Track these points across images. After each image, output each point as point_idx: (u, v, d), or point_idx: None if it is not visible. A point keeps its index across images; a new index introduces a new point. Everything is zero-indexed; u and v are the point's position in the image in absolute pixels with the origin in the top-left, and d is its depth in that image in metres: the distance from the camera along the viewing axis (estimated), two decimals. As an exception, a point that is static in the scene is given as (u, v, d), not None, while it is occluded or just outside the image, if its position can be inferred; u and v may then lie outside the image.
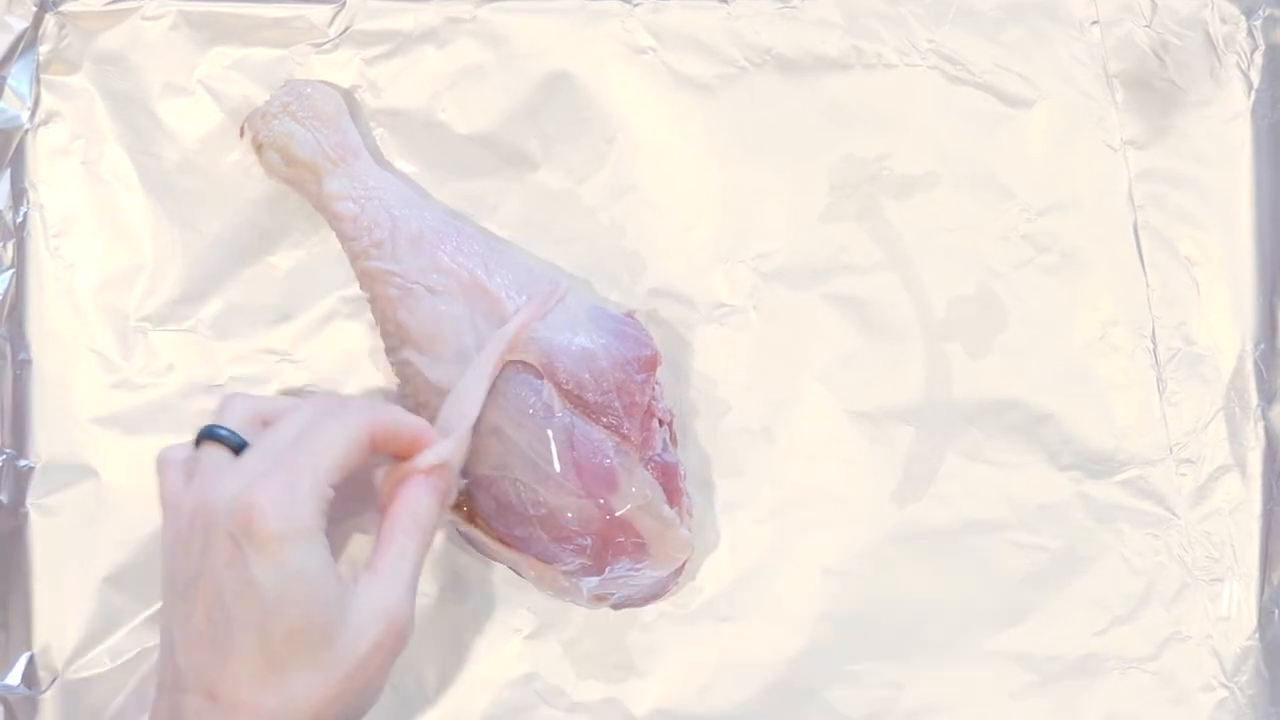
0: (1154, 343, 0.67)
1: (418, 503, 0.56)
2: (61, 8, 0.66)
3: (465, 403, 0.59)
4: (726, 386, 0.66)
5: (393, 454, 0.57)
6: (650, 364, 0.61)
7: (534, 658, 0.65)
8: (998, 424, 0.66)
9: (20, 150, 0.66)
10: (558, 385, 0.59)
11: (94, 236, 0.66)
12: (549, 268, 0.64)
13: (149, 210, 0.66)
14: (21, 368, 0.65)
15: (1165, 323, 0.67)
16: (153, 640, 0.64)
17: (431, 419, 0.60)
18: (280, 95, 0.64)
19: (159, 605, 0.63)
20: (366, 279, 0.62)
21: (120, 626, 0.64)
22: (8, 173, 0.65)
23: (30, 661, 0.64)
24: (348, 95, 0.65)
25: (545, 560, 0.60)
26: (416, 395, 0.61)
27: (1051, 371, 0.66)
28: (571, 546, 0.60)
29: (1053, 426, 0.66)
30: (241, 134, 0.64)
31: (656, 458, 0.60)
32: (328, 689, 0.52)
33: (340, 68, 0.66)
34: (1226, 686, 0.66)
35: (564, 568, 0.60)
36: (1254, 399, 0.67)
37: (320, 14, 0.66)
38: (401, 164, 0.66)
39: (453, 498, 0.58)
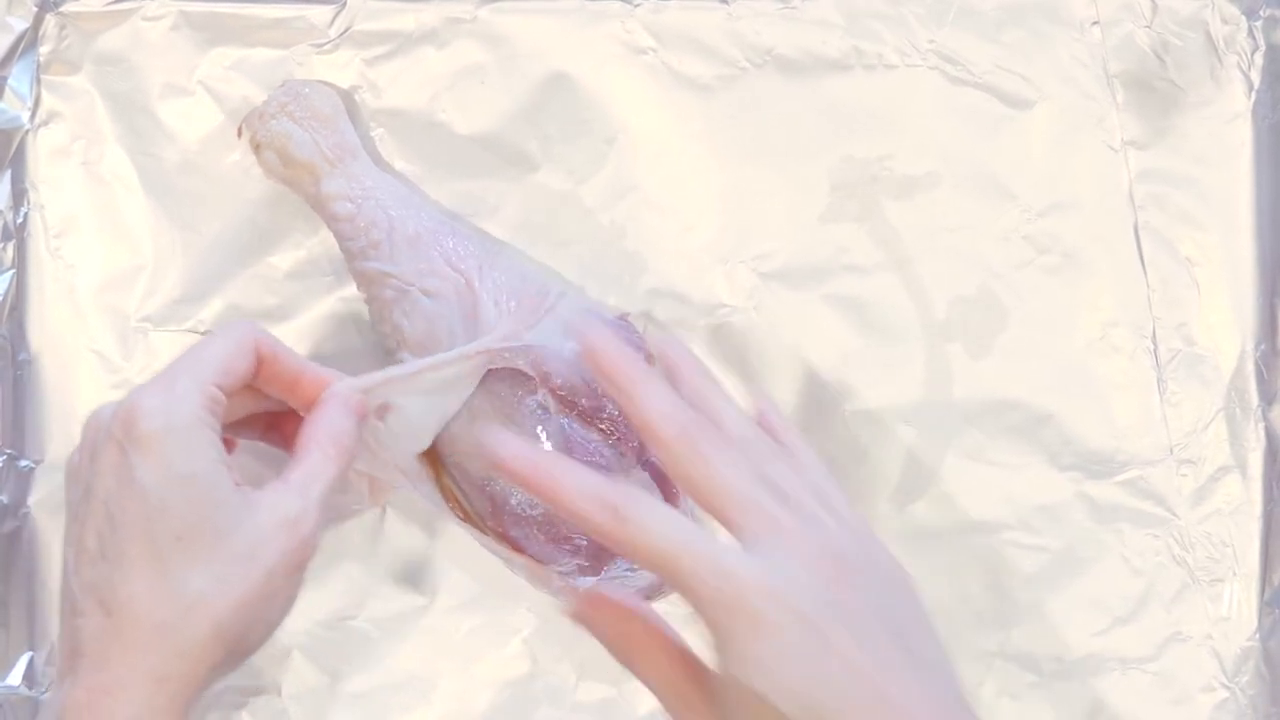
0: (1154, 343, 0.67)
1: (333, 421, 0.55)
2: (62, 8, 0.66)
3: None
4: (726, 386, 0.65)
5: (282, 388, 0.56)
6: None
7: (534, 658, 0.65)
8: (998, 424, 0.66)
9: (20, 151, 0.66)
10: (552, 390, 0.59)
11: (94, 237, 0.66)
12: (544, 271, 0.64)
13: (149, 210, 0.66)
14: (21, 368, 0.65)
15: (1165, 323, 0.67)
16: (153, 640, 0.64)
17: None
18: (278, 95, 0.64)
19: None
20: (363, 280, 0.62)
21: (120, 626, 0.64)
22: (8, 173, 0.66)
23: (30, 661, 0.64)
24: (346, 95, 0.65)
25: (541, 561, 0.60)
26: None
27: (1052, 372, 0.66)
28: (568, 547, 0.60)
29: (1053, 427, 0.66)
30: (239, 134, 0.64)
31: (653, 459, 0.60)
32: (226, 597, 0.50)
33: (340, 68, 0.66)
34: (1227, 687, 0.66)
35: (560, 569, 0.60)
36: (1254, 400, 0.67)
37: (320, 14, 0.66)
38: (402, 164, 0.66)
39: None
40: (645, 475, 0.60)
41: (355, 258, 0.62)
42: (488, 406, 0.59)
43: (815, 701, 0.46)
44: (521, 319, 0.60)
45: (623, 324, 0.62)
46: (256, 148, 0.63)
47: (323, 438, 0.54)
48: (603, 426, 0.59)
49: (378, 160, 0.65)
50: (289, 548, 0.52)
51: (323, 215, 0.63)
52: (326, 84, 0.65)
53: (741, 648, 0.47)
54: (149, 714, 0.50)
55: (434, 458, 0.61)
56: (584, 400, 0.59)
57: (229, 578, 0.50)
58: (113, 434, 0.50)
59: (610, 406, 0.59)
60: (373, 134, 0.66)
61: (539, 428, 0.59)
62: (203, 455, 0.51)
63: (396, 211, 0.62)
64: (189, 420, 0.51)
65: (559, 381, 0.59)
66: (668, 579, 0.48)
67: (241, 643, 0.52)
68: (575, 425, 0.59)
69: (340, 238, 0.62)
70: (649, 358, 0.61)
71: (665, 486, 0.60)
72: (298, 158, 0.63)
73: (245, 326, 0.54)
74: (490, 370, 0.59)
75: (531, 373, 0.59)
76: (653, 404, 0.50)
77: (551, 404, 0.59)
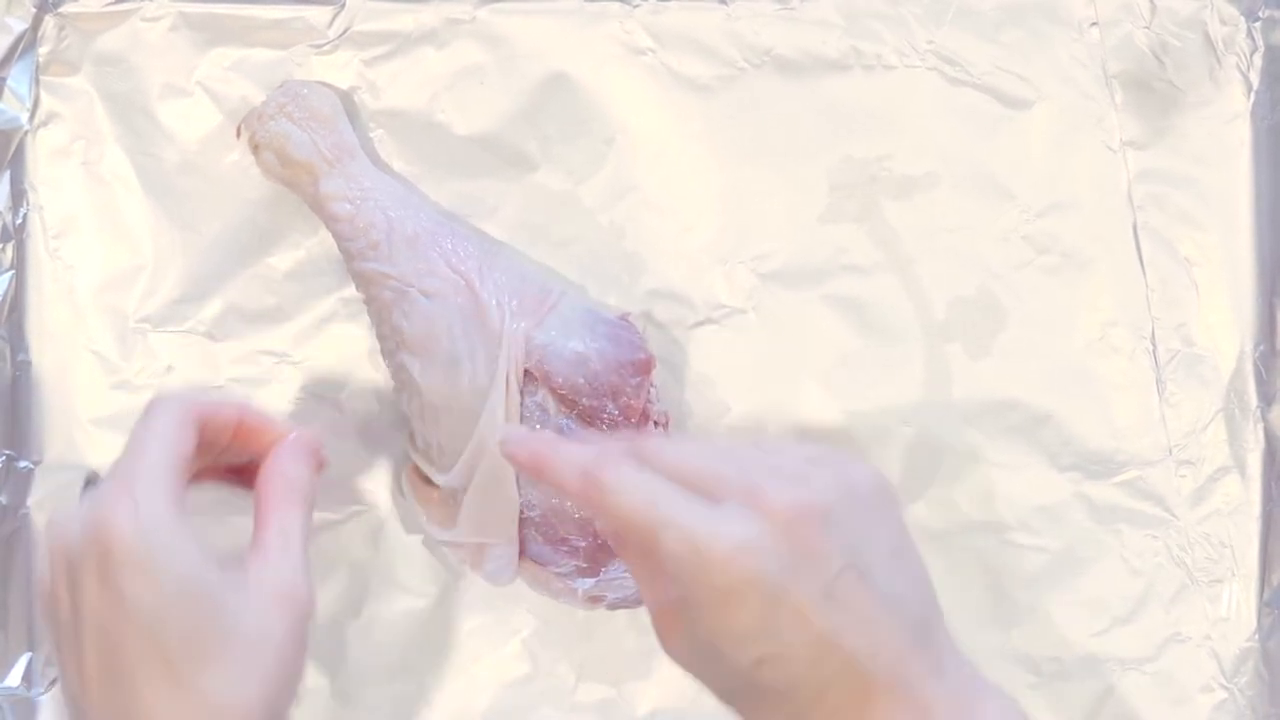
0: (1154, 344, 0.67)
1: (287, 471, 0.54)
2: (61, 9, 0.66)
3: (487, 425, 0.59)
4: (726, 387, 0.66)
5: (230, 444, 0.55)
6: (644, 367, 0.61)
7: (534, 658, 0.65)
8: (998, 424, 0.66)
9: (20, 151, 0.66)
10: (552, 390, 0.59)
11: (94, 237, 0.66)
12: (544, 271, 0.64)
13: (149, 211, 0.66)
14: (21, 368, 0.65)
15: (1165, 324, 0.67)
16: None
17: (426, 421, 0.60)
18: (276, 96, 0.64)
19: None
20: (362, 280, 0.62)
21: (120, 627, 0.64)
22: (7, 174, 0.65)
23: (30, 662, 0.64)
24: (344, 96, 0.65)
25: (540, 563, 0.60)
26: (411, 399, 0.61)
27: (1051, 372, 0.66)
28: (565, 549, 0.60)
29: (1052, 427, 0.66)
30: (238, 135, 0.64)
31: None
32: (246, 684, 0.50)
33: (340, 69, 0.66)
34: (1226, 687, 0.66)
35: (558, 570, 0.60)
36: (1253, 400, 0.67)
37: (320, 15, 0.66)
38: (401, 165, 0.66)
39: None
40: None
41: (354, 258, 0.62)
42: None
43: (771, 659, 0.47)
44: (529, 320, 0.60)
45: (623, 324, 0.62)
46: (255, 148, 0.63)
47: (283, 493, 0.54)
48: (603, 427, 0.59)
49: (376, 161, 0.65)
50: (293, 617, 0.51)
51: (321, 216, 0.63)
52: (325, 85, 0.65)
53: (709, 620, 0.47)
54: None
55: None
56: (584, 400, 0.59)
57: (244, 670, 0.50)
58: (88, 558, 0.49)
59: (611, 406, 0.59)
60: (372, 135, 0.66)
61: (538, 427, 0.59)
62: (186, 558, 0.49)
63: (395, 212, 0.62)
64: (162, 525, 0.49)
65: (560, 381, 0.59)
66: (643, 546, 0.48)
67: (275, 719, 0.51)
68: (575, 425, 0.59)
69: (339, 238, 0.62)
70: (650, 358, 0.61)
71: None
72: (296, 158, 0.63)
73: (177, 402, 0.53)
74: None
75: (533, 370, 0.59)
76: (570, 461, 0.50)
77: (551, 404, 0.59)
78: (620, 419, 0.59)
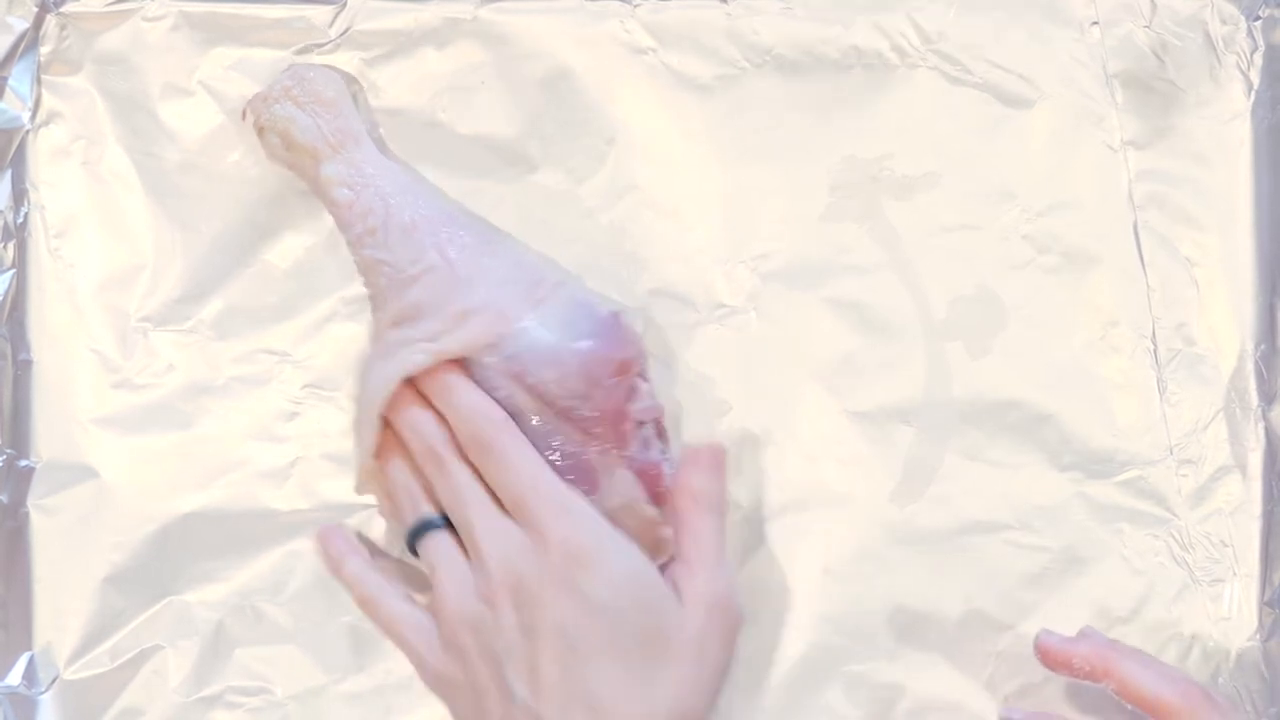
0: (1154, 343, 0.67)
1: (698, 484, 0.58)
2: (63, 9, 0.66)
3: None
4: (726, 387, 0.66)
5: None
6: (624, 367, 0.59)
7: (534, 658, 0.65)
8: (998, 424, 0.66)
9: (21, 151, 0.66)
10: (527, 390, 0.59)
11: (94, 237, 0.66)
12: (543, 261, 0.64)
13: (149, 210, 0.66)
14: (21, 368, 0.65)
15: (1165, 323, 0.67)
16: (152, 640, 0.64)
17: None
18: (282, 79, 0.64)
19: (159, 605, 0.64)
20: (362, 267, 0.62)
21: (120, 626, 0.64)
22: (8, 173, 0.66)
23: (30, 661, 0.64)
24: (351, 81, 0.65)
25: None
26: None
27: (1051, 372, 0.66)
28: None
29: (1053, 427, 0.66)
30: (244, 117, 0.64)
31: (637, 457, 0.60)
32: (683, 685, 0.54)
33: (340, 68, 0.66)
34: (1226, 687, 0.66)
35: None
36: (1254, 400, 0.67)
37: (320, 15, 0.66)
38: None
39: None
40: (627, 474, 0.59)
41: (353, 245, 0.62)
42: None
43: None
44: (505, 312, 0.59)
45: (610, 321, 0.61)
46: (260, 131, 0.63)
47: (699, 504, 0.58)
48: (582, 426, 0.59)
49: (382, 148, 0.65)
50: (728, 628, 0.57)
51: (323, 201, 0.63)
52: (332, 69, 0.65)
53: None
54: None
55: None
56: (560, 400, 0.59)
57: (688, 673, 0.55)
58: (555, 574, 0.54)
59: (589, 406, 0.59)
60: (375, 121, 0.66)
61: (521, 424, 0.59)
62: (635, 556, 0.56)
63: (395, 200, 0.62)
64: (614, 534, 0.56)
65: (531, 381, 0.59)
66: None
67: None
68: (551, 421, 0.59)
69: (340, 224, 0.62)
70: (629, 359, 0.60)
71: (652, 484, 0.60)
72: (299, 142, 0.63)
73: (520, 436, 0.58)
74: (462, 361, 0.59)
75: (505, 369, 0.59)
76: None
77: (523, 400, 0.59)
78: (595, 418, 0.59)
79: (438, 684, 0.58)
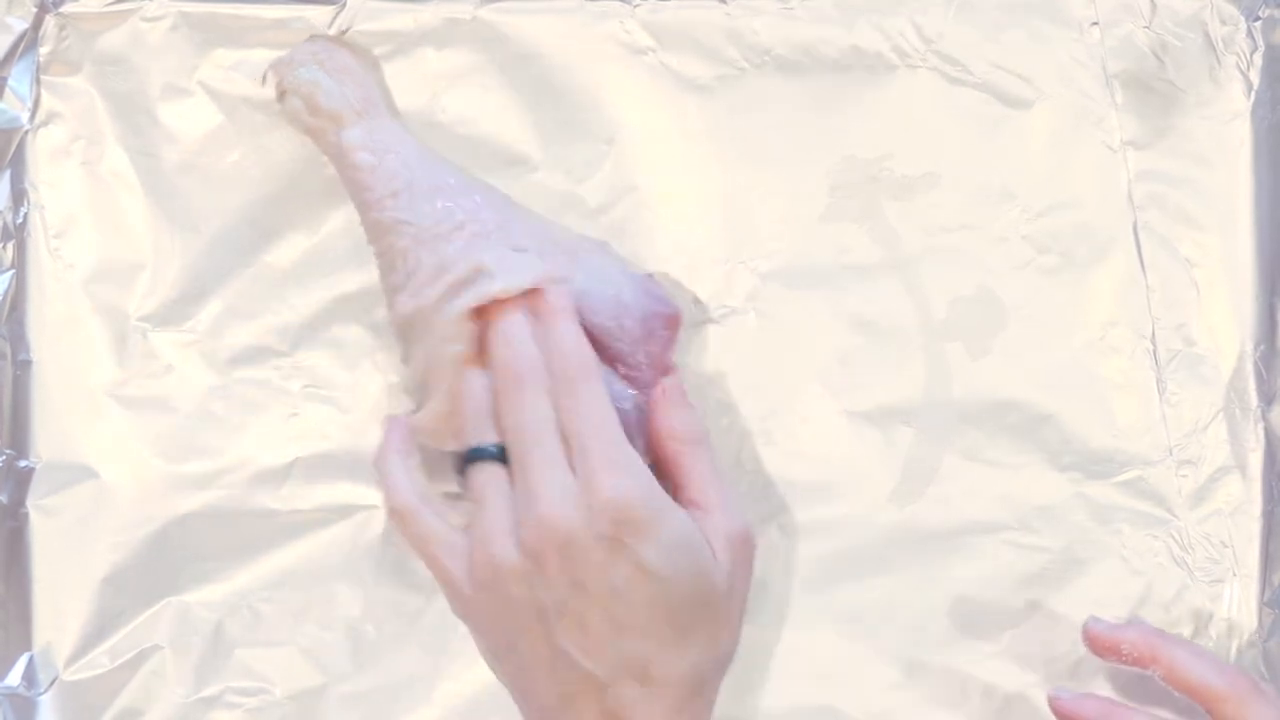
0: (1154, 343, 0.67)
1: (675, 421, 0.58)
2: (62, 9, 0.66)
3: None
4: (726, 386, 0.66)
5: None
6: (674, 323, 0.60)
7: (534, 658, 0.65)
8: (997, 424, 0.66)
9: (20, 151, 0.66)
10: (588, 329, 0.59)
11: (94, 237, 0.66)
12: (567, 230, 0.63)
13: (149, 210, 0.66)
14: (21, 368, 0.65)
15: (1165, 323, 0.67)
16: (152, 640, 0.64)
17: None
18: (308, 45, 0.64)
19: (159, 605, 0.64)
20: (378, 230, 0.61)
21: (120, 626, 0.64)
22: (8, 173, 0.66)
23: (30, 661, 0.64)
24: (373, 57, 0.65)
25: None
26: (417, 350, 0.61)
27: (1051, 372, 0.66)
28: None
29: (1053, 427, 0.66)
30: (264, 81, 0.64)
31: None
32: (722, 631, 0.56)
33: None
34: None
35: None
36: (1254, 400, 0.67)
37: (320, 15, 0.66)
38: (401, 164, 0.66)
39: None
40: None
41: (371, 208, 0.61)
42: None
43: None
44: (565, 256, 0.59)
45: (652, 280, 0.61)
46: (282, 94, 0.63)
47: (683, 443, 0.58)
48: (627, 374, 0.59)
49: (401, 123, 0.65)
50: (748, 558, 0.57)
51: (341, 165, 0.62)
52: (357, 44, 0.65)
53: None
54: None
55: None
56: (616, 344, 0.59)
57: (725, 619, 0.56)
58: (603, 532, 0.53)
59: (640, 354, 0.59)
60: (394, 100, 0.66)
61: None
62: (685, 521, 0.55)
63: (418, 168, 0.61)
64: (663, 494, 0.55)
65: (597, 321, 0.59)
66: None
67: (730, 658, 0.58)
68: (603, 367, 0.59)
69: (358, 187, 0.62)
70: (679, 314, 0.61)
71: None
72: (324, 106, 0.62)
73: (599, 380, 0.57)
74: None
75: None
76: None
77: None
78: (645, 368, 0.59)
79: (469, 614, 0.57)
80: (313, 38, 0.65)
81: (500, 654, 0.57)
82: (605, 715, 0.54)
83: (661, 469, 0.58)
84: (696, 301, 0.66)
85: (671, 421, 0.58)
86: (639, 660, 0.54)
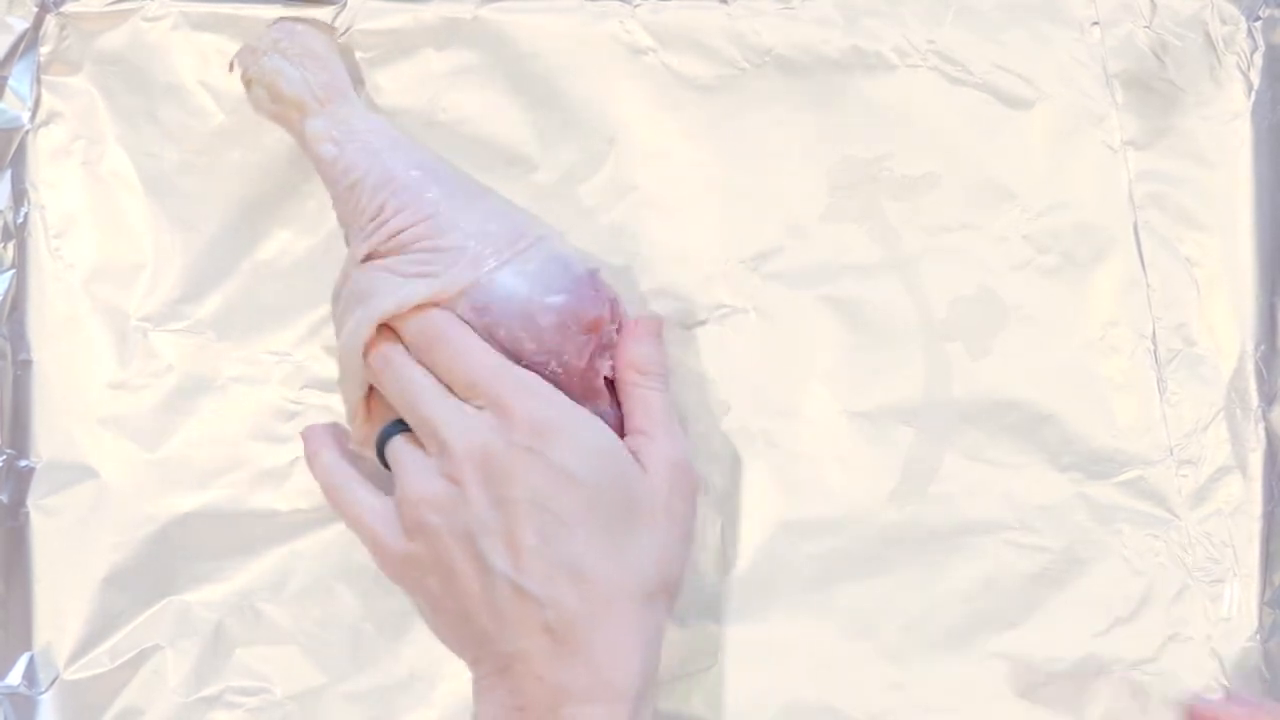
0: (1154, 343, 0.67)
1: (640, 354, 0.60)
2: (62, 8, 0.66)
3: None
4: (726, 387, 0.66)
5: None
6: (595, 325, 0.59)
7: (534, 658, 0.65)
8: (998, 424, 0.66)
9: (21, 151, 0.66)
10: (497, 341, 0.58)
11: (94, 237, 0.66)
12: (525, 217, 0.62)
13: (149, 210, 0.66)
14: (21, 368, 0.65)
15: (1165, 323, 0.67)
16: (152, 640, 0.64)
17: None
18: (272, 32, 0.63)
19: (159, 605, 0.64)
20: (343, 219, 0.62)
21: (120, 626, 0.64)
22: (8, 173, 0.66)
23: (30, 661, 0.64)
24: (337, 34, 0.65)
25: None
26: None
27: (1051, 372, 0.66)
28: None
29: (1053, 427, 0.66)
30: (230, 69, 0.64)
31: (610, 412, 0.60)
32: (658, 548, 0.56)
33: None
34: (1227, 687, 0.66)
35: None
36: (1254, 400, 0.67)
37: (321, 15, 0.66)
38: (401, 164, 0.66)
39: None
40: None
41: (336, 200, 0.62)
42: None
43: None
44: (478, 259, 0.59)
45: (587, 278, 0.60)
46: (248, 83, 0.63)
47: (644, 375, 0.59)
48: (551, 380, 0.58)
49: (369, 104, 0.65)
50: (689, 489, 0.58)
51: (308, 155, 0.62)
52: (320, 23, 0.65)
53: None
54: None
55: None
56: (527, 356, 0.58)
57: (661, 535, 0.56)
58: (523, 446, 0.55)
59: (558, 361, 0.59)
60: (362, 78, 0.66)
61: None
62: (609, 437, 0.57)
63: (381, 155, 0.61)
64: (581, 411, 0.57)
65: (503, 333, 0.58)
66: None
67: (675, 585, 0.58)
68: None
69: (325, 179, 0.62)
70: (600, 317, 0.60)
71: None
72: (287, 94, 0.62)
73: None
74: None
75: (472, 320, 0.58)
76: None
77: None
78: (561, 374, 0.59)
79: (402, 570, 0.58)
80: (277, 22, 0.64)
81: (438, 603, 0.57)
82: (548, 634, 0.54)
83: (620, 397, 0.60)
84: (695, 301, 0.66)
85: (635, 353, 0.60)
86: (571, 564, 0.54)
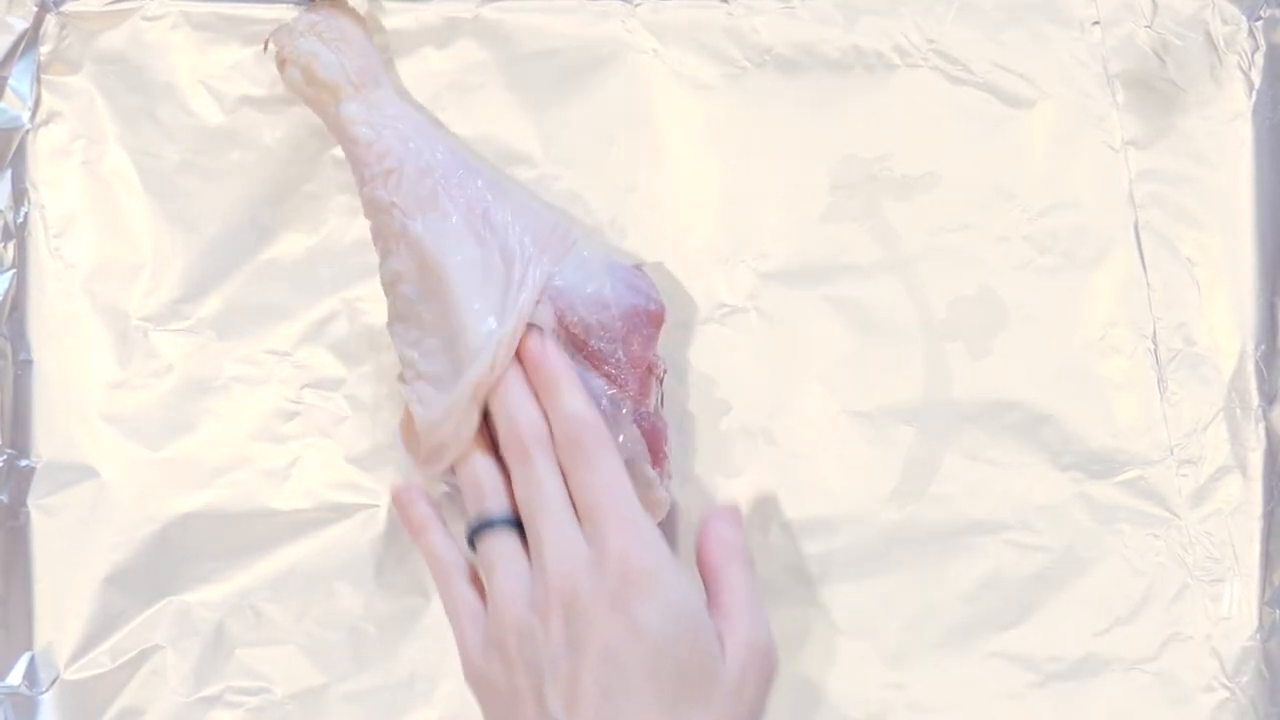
0: (1154, 343, 0.67)
1: (726, 535, 0.59)
2: (62, 8, 0.66)
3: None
4: (726, 386, 0.66)
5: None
6: (656, 319, 0.61)
7: (534, 658, 0.65)
8: (998, 424, 0.66)
9: (21, 150, 0.66)
10: (565, 328, 0.59)
11: (94, 237, 0.66)
12: (560, 214, 0.64)
13: (149, 210, 0.66)
14: (22, 368, 0.65)
15: (1166, 323, 0.67)
16: (152, 640, 0.64)
17: (422, 355, 0.60)
18: (308, 15, 0.64)
19: (159, 605, 0.64)
20: (372, 207, 0.61)
21: (120, 626, 0.64)
22: (8, 173, 0.66)
23: (30, 661, 0.64)
24: (368, 23, 0.65)
25: None
26: (409, 330, 0.61)
27: (1051, 372, 0.66)
28: None
29: (1053, 427, 0.66)
30: (265, 48, 0.64)
31: (648, 417, 0.60)
32: None
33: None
34: (1227, 687, 0.66)
35: None
36: (1255, 400, 0.67)
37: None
38: (402, 164, 0.66)
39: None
40: (636, 432, 0.59)
41: (366, 184, 0.61)
42: None
43: None
44: (550, 258, 0.60)
45: (638, 274, 0.62)
46: (282, 64, 0.63)
47: (729, 554, 0.58)
48: (607, 372, 0.59)
49: (401, 93, 0.65)
50: (765, 674, 0.56)
51: (340, 138, 0.63)
52: (353, 10, 0.65)
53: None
54: None
55: None
56: (595, 343, 0.59)
57: (720, 708, 0.54)
58: (602, 584, 0.54)
59: (620, 353, 0.59)
60: (395, 67, 0.66)
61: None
62: (693, 595, 0.55)
63: (414, 143, 0.61)
64: (670, 560, 0.55)
65: (575, 320, 0.59)
66: None
67: None
68: (580, 367, 0.59)
69: (355, 162, 0.62)
70: (662, 310, 0.61)
71: (654, 446, 0.60)
72: (322, 77, 0.62)
73: (613, 450, 0.58)
74: None
75: (551, 308, 0.59)
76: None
77: (560, 340, 0.59)
78: (625, 365, 0.59)
79: (476, 682, 0.57)
80: (313, 4, 0.65)
81: None
82: None
83: (703, 577, 0.58)
84: (695, 301, 0.66)
85: (725, 533, 0.59)
86: None
